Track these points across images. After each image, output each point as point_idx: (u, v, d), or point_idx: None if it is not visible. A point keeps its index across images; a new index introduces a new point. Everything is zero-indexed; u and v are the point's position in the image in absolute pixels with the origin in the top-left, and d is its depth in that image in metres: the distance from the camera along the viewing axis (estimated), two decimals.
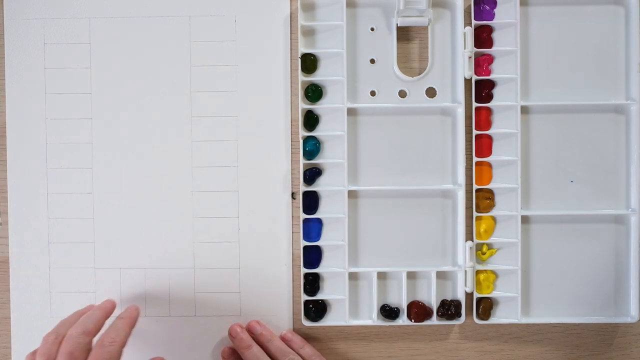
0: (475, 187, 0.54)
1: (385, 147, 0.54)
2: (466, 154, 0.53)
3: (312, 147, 0.54)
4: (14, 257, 0.55)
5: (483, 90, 0.53)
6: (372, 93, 0.54)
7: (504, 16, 0.53)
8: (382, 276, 0.54)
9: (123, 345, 0.46)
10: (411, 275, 0.54)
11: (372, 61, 0.54)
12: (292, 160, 0.54)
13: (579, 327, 0.55)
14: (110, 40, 0.55)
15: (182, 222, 0.55)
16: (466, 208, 0.53)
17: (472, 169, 0.54)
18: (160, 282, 0.55)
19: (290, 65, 0.54)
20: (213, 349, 0.55)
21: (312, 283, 0.54)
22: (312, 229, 0.54)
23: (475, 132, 0.53)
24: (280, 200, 0.55)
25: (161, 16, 0.54)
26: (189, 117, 0.54)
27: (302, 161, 0.53)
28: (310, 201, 0.54)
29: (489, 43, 0.53)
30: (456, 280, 0.54)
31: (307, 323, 0.54)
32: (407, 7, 0.52)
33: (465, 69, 0.52)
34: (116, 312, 0.52)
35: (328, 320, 0.54)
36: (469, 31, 0.52)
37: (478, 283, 0.54)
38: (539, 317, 0.54)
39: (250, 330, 0.53)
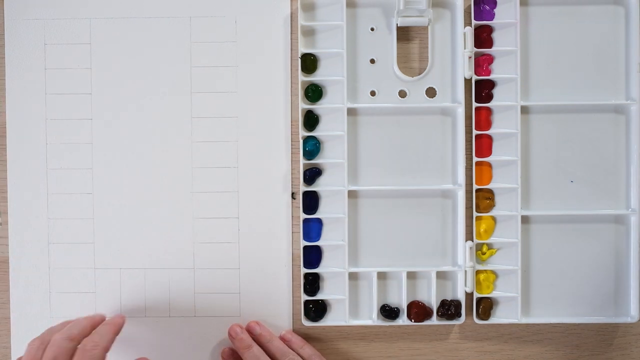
0: (475, 187, 0.53)
1: (385, 147, 0.54)
2: (466, 154, 0.53)
3: (312, 147, 0.53)
4: (13, 257, 0.54)
5: (483, 90, 0.53)
6: (372, 93, 0.54)
7: (504, 16, 0.53)
8: (382, 276, 0.54)
9: (106, 350, 0.46)
10: (411, 275, 0.54)
11: (372, 61, 0.54)
12: (292, 160, 0.54)
13: (579, 327, 0.55)
14: (110, 40, 0.54)
15: (182, 223, 0.54)
16: (466, 208, 0.53)
17: (472, 169, 0.53)
18: (160, 283, 0.54)
19: (291, 65, 0.54)
20: (213, 350, 0.54)
21: (312, 283, 0.53)
22: (312, 229, 0.54)
23: (475, 132, 0.53)
24: (280, 200, 0.54)
25: (162, 17, 0.54)
26: (189, 117, 0.54)
27: (302, 161, 0.53)
28: (310, 201, 0.53)
29: (489, 43, 0.53)
30: (456, 280, 0.53)
31: (307, 323, 0.53)
32: (407, 7, 0.51)
33: (465, 69, 0.52)
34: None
35: (328, 320, 0.54)
36: (469, 31, 0.52)
37: (478, 283, 0.53)
38: (539, 317, 0.54)
39: (249, 331, 0.52)
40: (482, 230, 0.53)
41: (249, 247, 0.54)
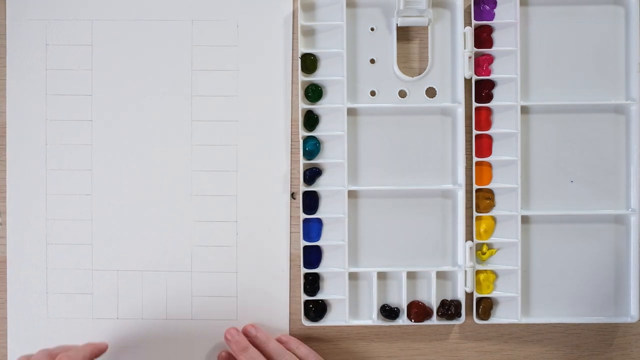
0: (475, 187, 0.52)
1: (385, 147, 0.52)
2: (466, 154, 0.51)
3: (312, 147, 0.52)
4: (11, 257, 0.53)
5: (483, 90, 0.51)
6: (372, 93, 0.52)
7: (504, 16, 0.51)
8: (382, 276, 0.52)
9: None
10: (411, 275, 0.52)
11: (372, 61, 0.52)
12: (292, 160, 0.53)
13: (579, 327, 0.53)
14: (112, 42, 0.53)
15: (180, 226, 0.53)
16: (466, 208, 0.51)
17: (472, 169, 0.52)
18: (157, 285, 0.53)
19: (292, 66, 0.52)
20: (209, 353, 0.53)
21: (312, 283, 0.52)
22: (312, 229, 0.52)
23: (475, 132, 0.51)
24: (280, 200, 0.53)
25: (163, 20, 0.53)
26: (189, 120, 0.53)
27: (302, 161, 0.51)
28: (310, 201, 0.52)
29: (489, 43, 0.52)
30: (456, 280, 0.52)
31: (307, 323, 0.52)
32: (407, 7, 0.50)
33: (465, 69, 0.50)
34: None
35: (328, 320, 0.52)
36: (469, 31, 0.50)
37: (478, 283, 0.52)
38: (539, 317, 0.52)
39: (246, 334, 0.51)
40: (482, 230, 0.52)
41: (247, 251, 0.53)
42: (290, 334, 0.52)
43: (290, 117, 0.52)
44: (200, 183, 0.53)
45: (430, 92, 0.52)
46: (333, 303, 0.52)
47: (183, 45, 0.52)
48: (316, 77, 0.52)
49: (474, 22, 0.51)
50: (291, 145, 0.52)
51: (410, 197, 0.52)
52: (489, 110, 0.52)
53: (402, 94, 0.52)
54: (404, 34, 0.52)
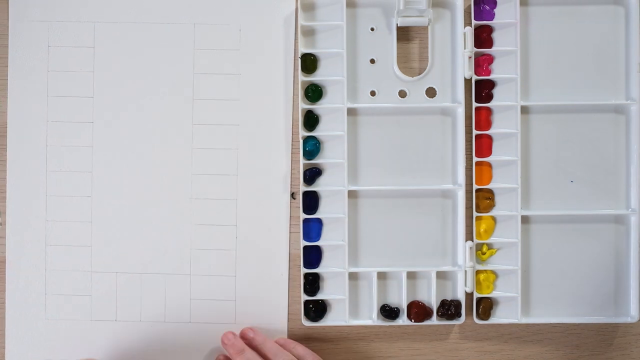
0: (475, 187, 0.51)
1: (385, 147, 0.51)
2: (466, 154, 0.50)
3: (312, 147, 0.51)
4: (11, 257, 0.52)
5: (483, 90, 0.50)
6: (372, 93, 0.51)
7: (504, 16, 0.50)
8: (382, 276, 0.51)
9: None
10: (411, 275, 0.51)
11: (372, 61, 0.51)
12: (292, 160, 0.52)
13: (579, 327, 0.52)
14: (114, 44, 0.52)
15: (179, 228, 0.52)
16: (466, 208, 0.51)
17: (472, 169, 0.51)
18: (155, 288, 0.52)
19: (293, 66, 0.51)
20: (207, 356, 0.52)
21: (312, 283, 0.51)
22: (312, 229, 0.51)
23: (475, 132, 0.50)
24: (280, 200, 0.52)
25: (166, 23, 0.52)
26: (190, 124, 0.52)
27: (302, 161, 0.51)
28: (310, 201, 0.51)
29: (489, 43, 0.51)
30: (456, 280, 0.51)
31: (307, 323, 0.51)
32: (407, 7, 0.49)
33: (465, 69, 0.50)
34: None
35: (328, 320, 0.51)
36: (469, 31, 0.49)
37: (478, 283, 0.51)
38: (539, 317, 0.51)
39: (243, 337, 0.50)
40: (482, 230, 0.51)
41: (246, 255, 0.52)
42: (290, 334, 0.52)
43: (291, 117, 0.51)
44: (200, 186, 0.52)
45: (430, 92, 0.51)
46: (333, 303, 0.51)
47: (185, 48, 0.52)
48: (316, 77, 0.51)
49: (474, 22, 0.50)
50: (291, 145, 0.52)
51: (410, 197, 0.51)
52: (489, 110, 0.51)
53: (402, 94, 0.51)
54: (404, 34, 0.51)
